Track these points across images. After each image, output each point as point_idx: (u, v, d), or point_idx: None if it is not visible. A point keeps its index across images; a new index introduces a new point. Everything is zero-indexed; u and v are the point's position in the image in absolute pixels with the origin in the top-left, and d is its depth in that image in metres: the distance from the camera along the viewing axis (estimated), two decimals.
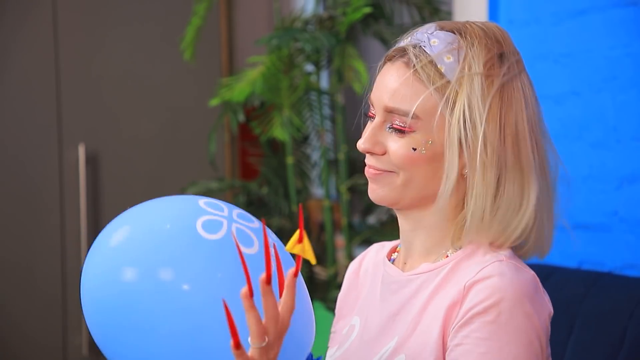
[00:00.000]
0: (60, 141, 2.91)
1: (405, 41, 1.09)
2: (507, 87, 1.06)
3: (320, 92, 2.61)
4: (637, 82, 1.83)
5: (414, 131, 1.06)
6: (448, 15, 2.47)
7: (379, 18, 2.52)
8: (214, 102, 2.56)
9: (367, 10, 2.29)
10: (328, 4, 2.63)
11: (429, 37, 1.07)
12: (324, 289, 2.66)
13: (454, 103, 1.04)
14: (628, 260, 1.85)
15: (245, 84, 2.45)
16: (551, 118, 2.03)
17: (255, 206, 2.85)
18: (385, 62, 1.10)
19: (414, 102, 1.04)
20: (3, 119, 2.86)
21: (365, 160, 1.12)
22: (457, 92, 1.04)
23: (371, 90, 1.12)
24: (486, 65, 1.05)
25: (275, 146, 2.87)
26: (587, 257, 1.95)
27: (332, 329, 1.27)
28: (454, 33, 1.07)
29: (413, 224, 1.13)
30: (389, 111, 1.07)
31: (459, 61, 1.04)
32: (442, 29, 1.08)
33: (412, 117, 1.05)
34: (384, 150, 1.09)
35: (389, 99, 1.07)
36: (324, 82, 2.96)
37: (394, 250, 1.22)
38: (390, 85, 1.07)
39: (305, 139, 2.80)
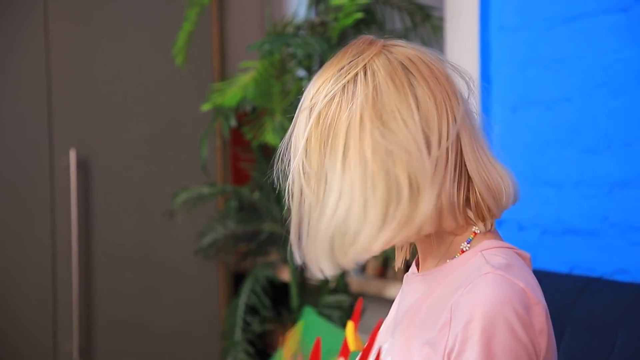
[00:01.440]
0: (51, 146, 2.90)
1: None
2: (333, 109, 1.04)
3: None
4: (628, 88, 1.84)
5: None
6: (440, 20, 2.47)
7: (370, 23, 2.53)
8: (206, 107, 2.55)
9: (359, 15, 2.30)
10: (320, 9, 2.63)
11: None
12: (315, 294, 2.66)
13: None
14: (619, 266, 1.85)
15: (237, 89, 2.45)
16: (542, 123, 2.04)
17: (246, 211, 2.84)
18: None
19: None
20: None
21: None
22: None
23: None
24: (313, 98, 1.06)
25: (267, 151, 2.87)
26: (578, 263, 1.95)
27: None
28: (313, 80, 1.11)
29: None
30: None
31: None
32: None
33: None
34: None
35: None
36: None
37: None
38: None
39: None
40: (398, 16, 2.57)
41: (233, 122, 2.62)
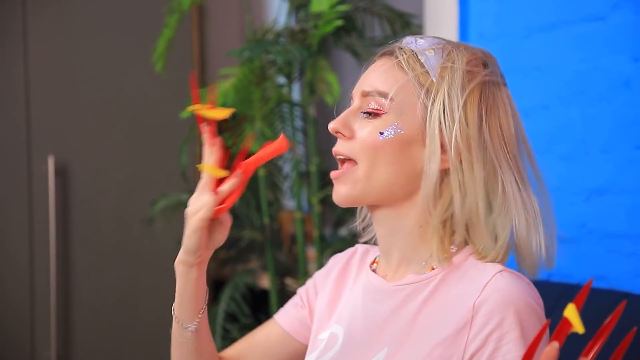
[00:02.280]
0: (30, 153, 2.88)
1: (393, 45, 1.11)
2: (490, 88, 1.07)
3: (292, 104, 2.61)
4: (605, 95, 1.85)
5: (385, 113, 1.06)
6: (419, 28, 2.48)
7: (350, 31, 2.53)
8: (186, 113, 2.55)
9: (339, 23, 2.30)
10: (300, 16, 2.64)
11: (416, 39, 1.09)
12: None
13: (436, 94, 1.05)
14: (597, 272, 1.86)
15: (217, 95, 2.45)
16: None
17: None
18: (370, 63, 1.13)
19: (393, 85, 1.06)
20: None
21: (333, 148, 1.11)
22: (439, 83, 1.05)
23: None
24: (469, 63, 1.07)
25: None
26: (555, 269, 1.96)
27: (313, 332, 1.24)
28: (442, 40, 1.10)
29: (388, 229, 1.11)
30: (366, 95, 1.08)
31: (442, 56, 1.06)
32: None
33: (389, 99, 1.06)
34: (351, 135, 1.08)
35: (367, 85, 1.09)
36: (296, 94, 2.95)
37: (374, 260, 1.20)
38: (372, 74, 1.09)
39: None
40: (378, 24, 2.58)
41: None
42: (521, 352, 0.99)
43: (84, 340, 2.95)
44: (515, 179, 1.07)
